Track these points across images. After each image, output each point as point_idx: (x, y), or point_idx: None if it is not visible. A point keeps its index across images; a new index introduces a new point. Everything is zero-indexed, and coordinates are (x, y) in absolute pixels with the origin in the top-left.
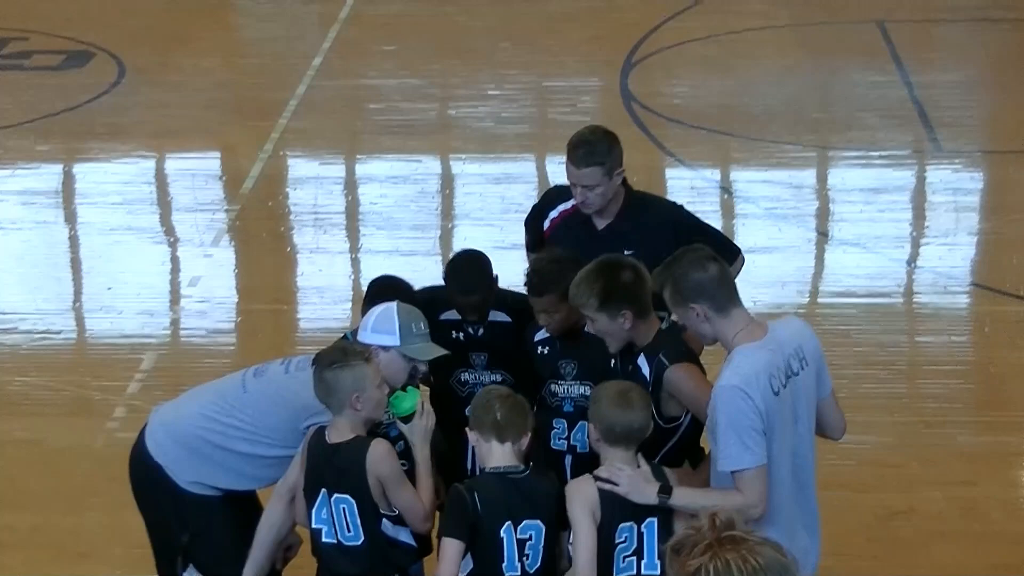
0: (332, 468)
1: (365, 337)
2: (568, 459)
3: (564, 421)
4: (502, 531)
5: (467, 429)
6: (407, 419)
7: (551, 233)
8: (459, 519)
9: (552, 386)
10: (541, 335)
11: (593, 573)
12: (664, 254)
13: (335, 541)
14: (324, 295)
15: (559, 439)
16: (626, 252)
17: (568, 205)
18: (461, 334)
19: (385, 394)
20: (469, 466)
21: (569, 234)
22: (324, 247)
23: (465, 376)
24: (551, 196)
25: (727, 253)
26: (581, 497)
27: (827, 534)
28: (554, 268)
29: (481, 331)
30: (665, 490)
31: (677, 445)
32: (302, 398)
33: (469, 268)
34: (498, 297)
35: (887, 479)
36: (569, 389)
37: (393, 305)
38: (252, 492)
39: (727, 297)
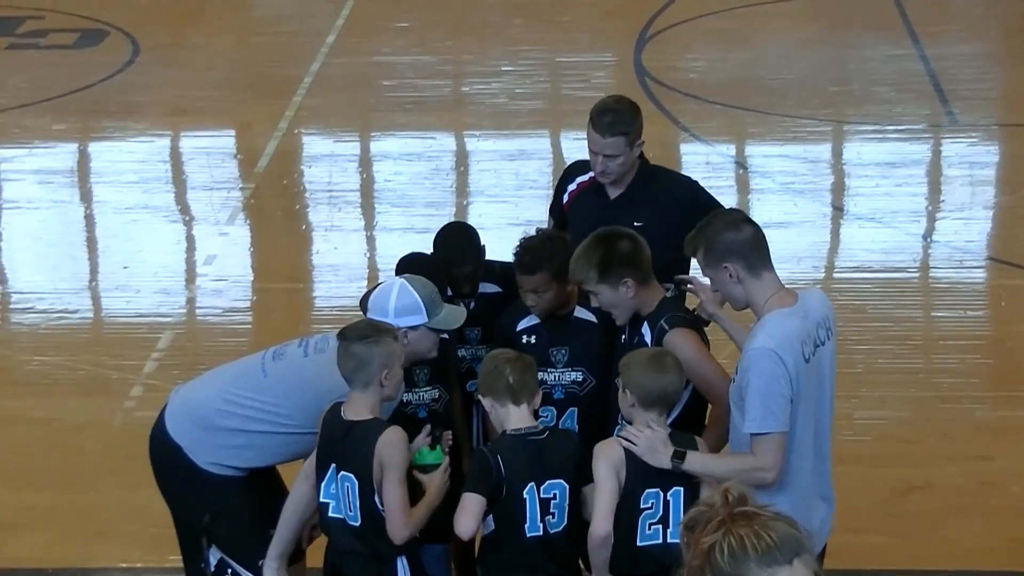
0: (344, 445)
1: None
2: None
3: (552, 409)
4: (525, 492)
5: (478, 396)
6: (426, 469)
7: (569, 206)
8: (483, 478)
9: (541, 374)
10: (525, 323)
11: (609, 525)
12: (674, 228)
13: (341, 516)
14: (339, 273)
15: (567, 428)
16: (636, 224)
17: (586, 177)
18: (463, 309)
19: (402, 375)
20: (475, 436)
21: (583, 204)
22: (339, 225)
23: (461, 352)
24: (570, 171)
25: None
26: (607, 456)
27: (843, 509)
28: (546, 246)
29: (473, 304)
30: (679, 455)
31: (679, 418)
32: (325, 381)
33: (460, 239)
34: (488, 268)
35: (904, 454)
36: (560, 376)
37: (402, 283)
38: (273, 469)
39: (760, 259)
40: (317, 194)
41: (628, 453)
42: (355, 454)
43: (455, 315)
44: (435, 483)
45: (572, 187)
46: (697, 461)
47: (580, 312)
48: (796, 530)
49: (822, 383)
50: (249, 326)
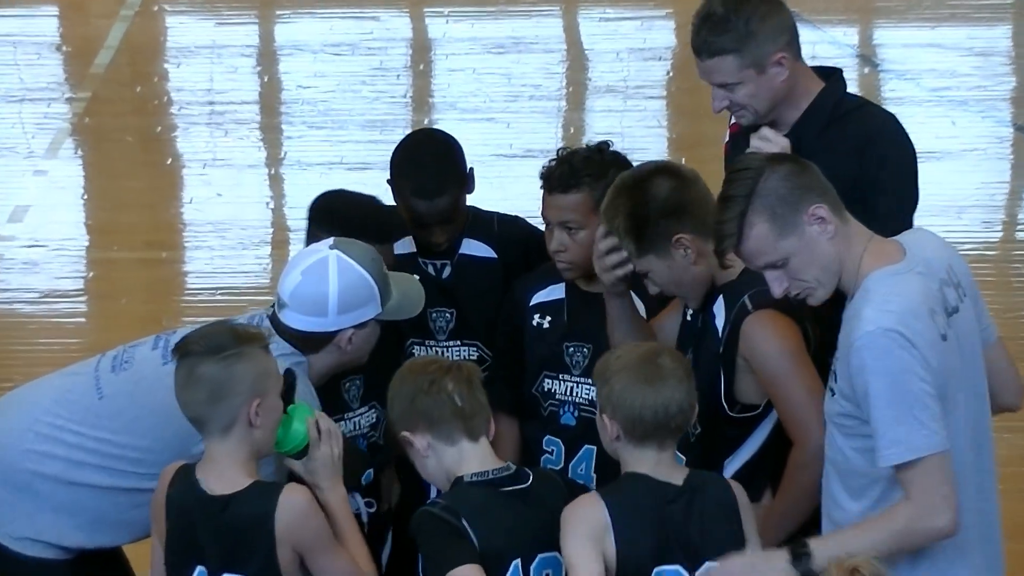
0: (217, 534)
1: (326, 324)
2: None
3: (559, 442)
4: (509, 573)
5: (405, 437)
6: (300, 454)
7: (730, 149)
8: (457, 543)
9: (547, 382)
10: (544, 295)
11: None
12: (853, 195)
13: None
14: (226, 235)
15: (552, 469)
16: None
17: None
18: (416, 278)
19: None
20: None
21: (740, 147)
22: (224, 158)
23: (420, 351)
24: None
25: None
26: (583, 520)
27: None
28: (595, 157)
29: (448, 270)
30: (801, 553)
31: (755, 458)
32: None
33: (432, 155)
34: (475, 217)
35: None
36: (574, 389)
37: (338, 256)
38: (117, 554)
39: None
40: (190, 108)
41: (620, 509)
42: (243, 546)
43: (412, 294)
44: (332, 492)
45: (731, 121)
46: (832, 546)
47: None
48: None
49: (969, 368)
50: (83, 320)
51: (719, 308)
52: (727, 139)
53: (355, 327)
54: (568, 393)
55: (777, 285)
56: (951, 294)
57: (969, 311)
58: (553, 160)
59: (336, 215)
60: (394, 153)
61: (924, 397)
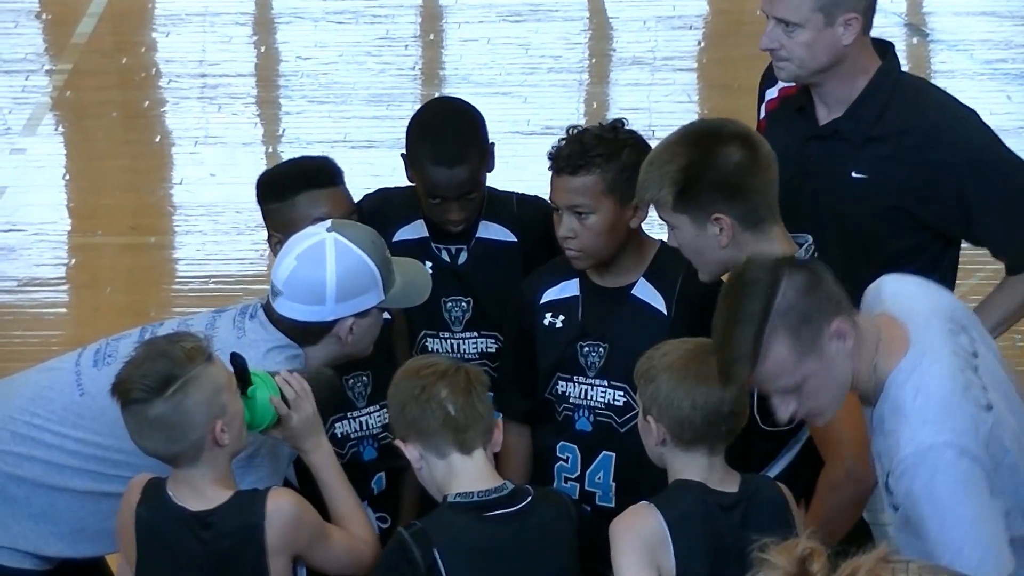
0: (199, 554)
1: (322, 313)
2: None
3: (575, 448)
4: None
5: (398, 446)
6: (275, 424)
7: (767, 123)
8: None
9: (561, 385)
10: (556, 293)
11: None
12: (907, 193)
13: None
14: (219, 219)
15: (567, 478)
16: (855, 174)
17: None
18: (428, 265)
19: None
20: None
21: (781, 125)
22: (218, 135)
23: (433, 343)
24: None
25: None
26: (638, 534)
27: None
28: (607, 135)
29: (464, 256)
30: None
31: (788, 473)
32: None
33: (452, 122)
34: (492, 198)
35: None
36: (590, 392)
37: (336, 239)
38: (99, 561)
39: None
40: (180, 81)
41: (677, 519)
42: (229, 565)
43: (418, 280)
44: (317, 456)
45: (772, 93)
46: None
47: (645, 288)
48: None
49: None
50: (63, 310)
51: None
52: (763, 115)
53: (356, 316)
54: (583, 396)
55: (784, 408)
56: (964, 340)
57: (988, 350)
58: (563, 139)
59: (275, 178)
60: (411, 122)
61: (992, 522)
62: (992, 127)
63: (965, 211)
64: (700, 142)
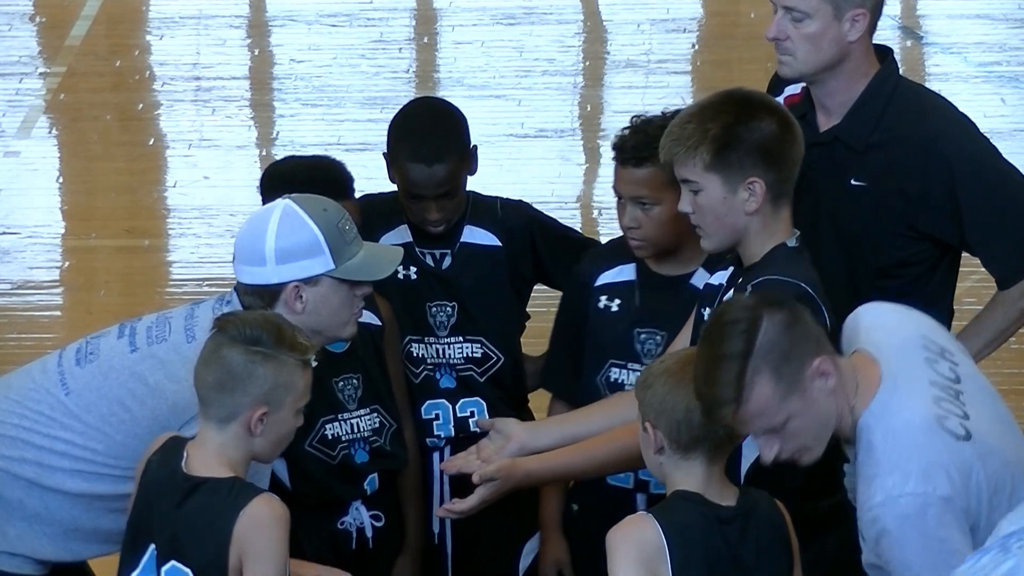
0: (178, 516)
1: (267, 275)
2: (639, 499)
3: None
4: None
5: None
6: None
7: None
8: None
9: (614, 372)
10: (612, 276)
11: None
12: (905, 202)
13: None
14: (213, 222)
15: None
16: (854, 182)
17: (798, 88)
18: (413, 270)
19: (296, 426)
20: (436, 499)
21: None
22: (212, 138)
23: (418, 348)
24: (779, 78)
25: None
26: (635, 547)
27: None
28: (673, 124)
29: (448, 260)
30: None
31: (755, 467)
32: (166, 392)
33: (432, 121)
34: (476, 203)
35: None
36: None
37: (287, 204)
38: (83, 567)
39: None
40: (174, 84)
41: (674, 531)
42: (196, 536)
43: (383, 255)
44: None
45: (779, 101)
46: None
47: (704, 278)
48: None
49: (1010, 439)
50: (57, 313)
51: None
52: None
53: (303, 282)
54: None
55: (768, 450)
56: (944, 367)
57: (966, 370)
58: (627, 129)
59: (283, 178)
60: (392, 120)
61: (943, 571)
62: (986, 130)
63: (958, 220)
64: (744, 105)
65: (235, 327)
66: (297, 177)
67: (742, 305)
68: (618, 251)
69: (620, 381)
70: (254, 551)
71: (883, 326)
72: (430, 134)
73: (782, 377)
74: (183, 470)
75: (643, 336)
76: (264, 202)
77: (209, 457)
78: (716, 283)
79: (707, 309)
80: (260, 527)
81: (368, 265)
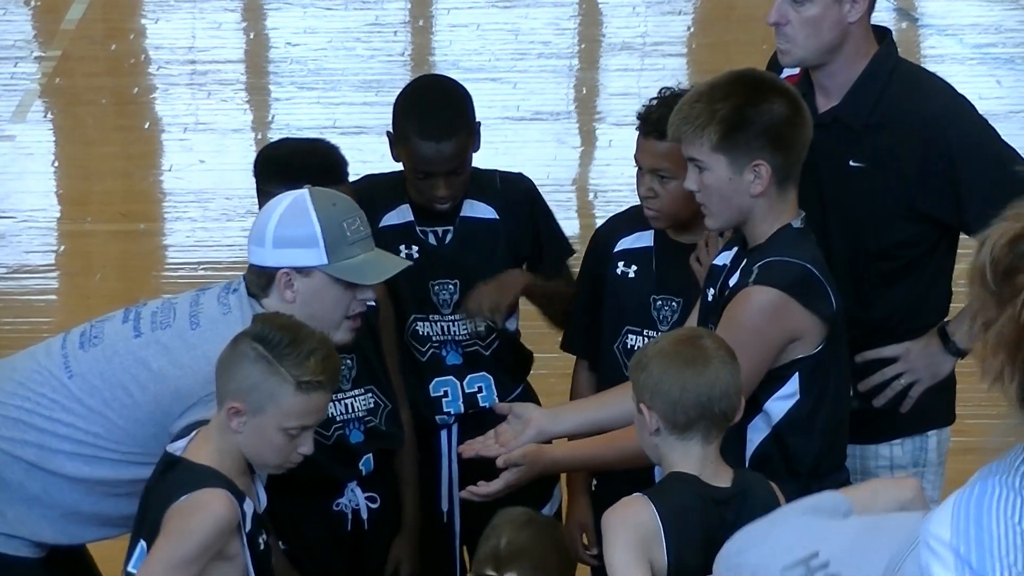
0: (150, 494)
1: (263, 256)
2: (657, 473)
3: None
4: None
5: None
6: None
7: None
8: None
9: (631, 338)
10: (630, 242)
11: None
12: (906, 185)
13: None
14: (209, 205)
15: None
16: (853, 163)
17: (796, 69)
18: (415, 248)
19: (291, 447)
20: (445, 491)
21: None
22: (207, 122)
23: (424, 327)
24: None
25: None
26: (631, 530)
27: None
28: (683, 102)
29: (450, 237)
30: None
31: (760, 450)
32: (169, 378)
33: (440, 97)
34: (476, 176)
35: None
36: None
37: (300, 195)
38: (82, 551)
39: None
40: (169, 68)
41: (670, 513)
42: (151, 511)
43: (381, 262)
44: None
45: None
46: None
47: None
48: None
49: None
50: (53, 297)
51: (739, 273)
52: None
53: (295, 271)
54: None
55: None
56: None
57: (840, 545)
58: (654, 100)
59: (276, 161)
60: (398, 98)
61: None
62: (982, 112)
63: (957, 201)
64: (754, 86)
65: (261, 322)
66: (291, 161)
67: None
68: (637, 218)
69: (637, 348)
70: (167, 528)
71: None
72: (438, 111)
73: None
74: (168, 448)
75: (659, 303)
76: (257, 184)
77: (200, 442)
78: (720, 263)
79: (711, 289)
80: (188, 512)
81: (362, 269)
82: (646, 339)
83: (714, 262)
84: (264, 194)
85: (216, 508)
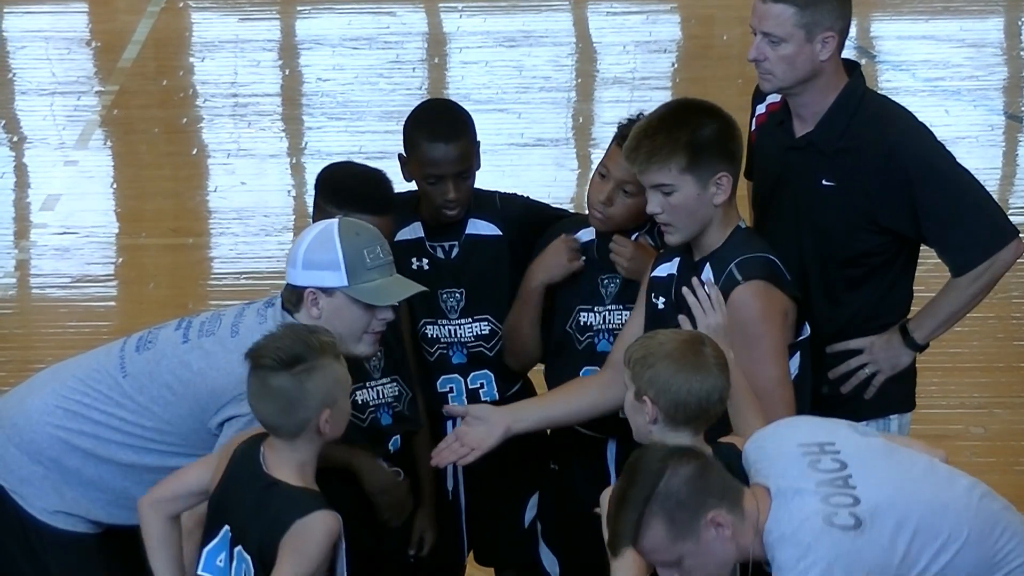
0: (251, 508)
1: (295, 276)
2: (611, 446)
3: (599, 369)
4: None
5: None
6: None
7: (756, 137)
8: None
9: (582, 315)
10: (578, 236)
11: None
12: (869, 204)
13: None
14: (250, 222)
15: None
16: (824, 183)
17: (777, 98)
18: (425, 261)
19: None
20: (450, 472)
21: (766, 140)
22: (248, 148)
23: (432, 330)
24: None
25: (992, 240)
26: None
27: None
28: (640, 139)
29: (456, 251)
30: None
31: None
32: (207, 378)
33: (446, 109)
34: (478, 196)
35: None
36: (608, 317)
37: (331, 224)
38: (134, 529)
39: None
40: (214, 101)
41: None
42: (261, 529)
43: (395, 287)
44: None
45: (761, 109)
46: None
47: (644, 239)
48: None
49: (919, 493)
50: (112, 304)
51: (707, 275)
52: (753, 128)
53: (319, 290)
54: (604, 322)
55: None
56: (828, 462)
57: (854, 450)
58: (636, 116)
59: (334, 184)
60: (407, 119)
61: None
62: None
63: (915, 216)
64: (698, 111)
65: (269, 356)
66: (344, 187)
67: (657, 452)
68: (582, 221)
69: (588, 323)
70: (289, 549)
71: (764, 456)
72: (445, 117)
73: (674, 523)
74: (263, 467)
75: (605, 280)
76: (315, 199)
77: (282, 462)
78: (666, 275)
79: (660, 299)
80: (305, 535)
81: (378, 292)
82: (595, 313)
83: (657, 274)
84: (318, 208)
85: (332, 526)
